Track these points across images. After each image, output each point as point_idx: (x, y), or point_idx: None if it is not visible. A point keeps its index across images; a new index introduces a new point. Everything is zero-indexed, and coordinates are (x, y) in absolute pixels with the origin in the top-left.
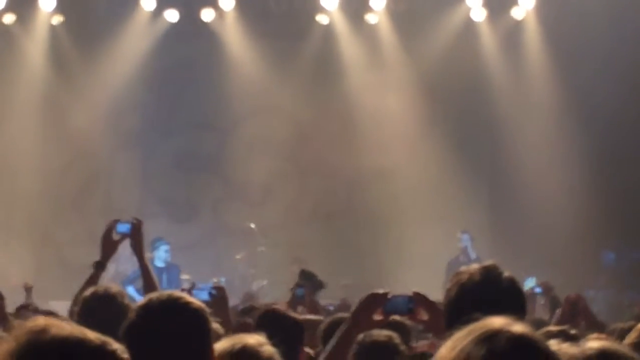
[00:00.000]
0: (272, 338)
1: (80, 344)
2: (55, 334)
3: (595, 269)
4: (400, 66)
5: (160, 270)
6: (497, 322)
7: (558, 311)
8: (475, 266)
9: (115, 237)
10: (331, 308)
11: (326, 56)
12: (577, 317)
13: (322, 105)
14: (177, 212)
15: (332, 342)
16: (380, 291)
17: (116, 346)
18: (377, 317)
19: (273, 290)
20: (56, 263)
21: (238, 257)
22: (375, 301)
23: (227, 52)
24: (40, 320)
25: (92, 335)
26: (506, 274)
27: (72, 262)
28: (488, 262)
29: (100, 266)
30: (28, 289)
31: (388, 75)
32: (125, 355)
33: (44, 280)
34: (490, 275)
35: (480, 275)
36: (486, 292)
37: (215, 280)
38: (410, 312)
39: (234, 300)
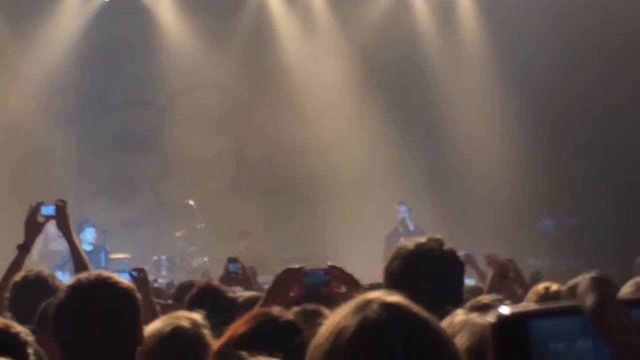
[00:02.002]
0: (207, 316)
1: None
2: None
3: (535, 236)
4: (336, 37)
5: (88, 254)
6: (373, 294)
7: (489, 276)
8: (415, 239)
9: (40, 219)
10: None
11: (261, 29)
12: (506, 281)
13: (259, 79)
14: (116, 191)
15: None
16: (296, 266)
17: (19, 329)
18: (294, 292)
19: (214, 267)
20: None
21: (178, 234)
22: (291, 276)
23: (161, 29)
24: None
25: None
26: (445, 246)
27: (9, 245)
28: (429, 235)
29: (24, 249)
30: None
31: (323, 47)
32: (30, 337)
33: None
34: (429, 248)
35: (419, 247)
36: (425, 264)
37: (155, 258)
38: (327, 285)
39: (175, 277)
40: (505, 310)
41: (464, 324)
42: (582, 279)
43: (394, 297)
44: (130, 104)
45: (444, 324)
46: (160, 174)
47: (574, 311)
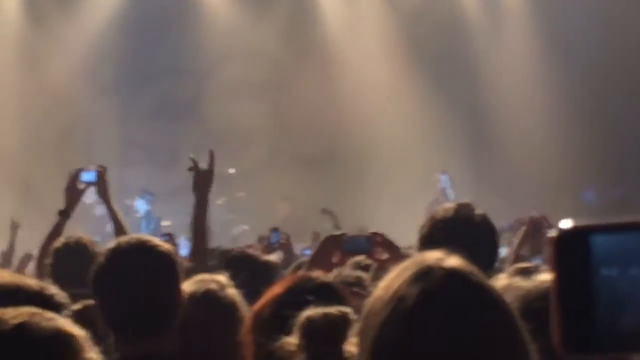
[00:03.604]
0: (241, 281)
1: (18, 289)
2: None
3: (576, 206)
4: (378, 7)
5: (141, 222)
6: (431, 257)
7: (520, 231)
8: (447, 205)
9: (80, 185)
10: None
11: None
12: (539, 238)
13: (301, 48)
14: (157, 159)
15: None
16: (337, 233)
17: (54, 291)
18: (336, 258)
19: (254, 235)
20: (38, 214)
21: (219, 202)
22: (333, 243)
23: None
24: None
25: (31, 281)
26: (479, 211)
27: (54, 211)
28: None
29: (64, 215)
30: (14, 226)
31: (366, 17)
32: (64, 299)
33: (26, 232)
34: (462, 212)
35: (453, 212)
36: (458, 228)
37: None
38: (369, 252)
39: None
40: (567, 223)
41: (508, 288)
42: None
43: (454, 262)
44: (172, 72)
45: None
46: (201, 142)
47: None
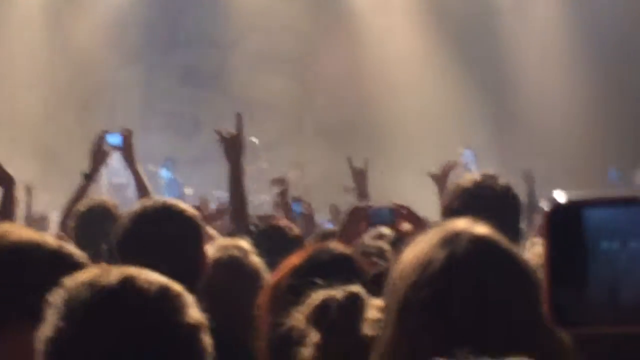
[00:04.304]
0: (268, 252)
1: (37, 247)
2: (14, 239)
3: (601, 186)
4: None
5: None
6: (459, 224)
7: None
8: (471, 175)
9: (106, 148)
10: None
11: None
12: None
13: (328, 23)
14: (180, 127)
15: None
16: (362, 205)
17: (73, 250)
18: (363, 229)
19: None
20: (60, 179)
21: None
22: (358, 214)
23: None
24: (0, 227)
25: (50, 239)
26: (501, 181)
27: (75, 177)
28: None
29: (89, 178)
30: (28, 190)
31: None
32: (83, 259)
33: (47, 195)
34: (486, 182)
35: (476, 182)
36: (481, 197)
37: (217, 194)
38: (393, 223)
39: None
40: (560, 196)
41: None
42: None
43: (482, 229)
44: (198, 42)
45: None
46: (225, 111)
47: (635, 203)
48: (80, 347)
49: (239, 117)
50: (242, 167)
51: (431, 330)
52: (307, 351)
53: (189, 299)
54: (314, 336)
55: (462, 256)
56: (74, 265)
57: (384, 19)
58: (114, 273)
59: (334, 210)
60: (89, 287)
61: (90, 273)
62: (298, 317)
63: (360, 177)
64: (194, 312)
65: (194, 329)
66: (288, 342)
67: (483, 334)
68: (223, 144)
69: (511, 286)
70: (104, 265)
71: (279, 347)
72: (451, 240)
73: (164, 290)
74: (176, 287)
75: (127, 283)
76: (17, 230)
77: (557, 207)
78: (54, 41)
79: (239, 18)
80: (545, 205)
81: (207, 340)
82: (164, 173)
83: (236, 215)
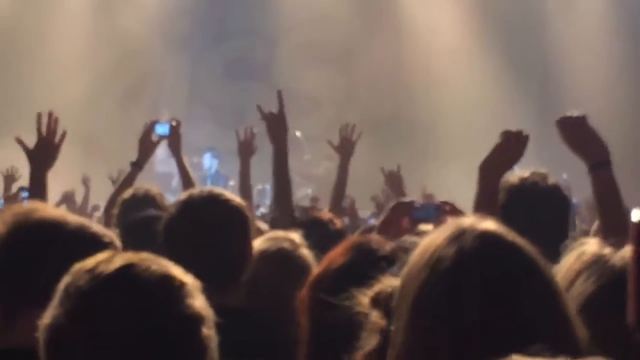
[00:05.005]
0: (313, 245)
1: (60, 225)
2: (38, 217)
3: None
4: None
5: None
6: (465, 220)
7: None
8: (520, 173)
9: (154, 138)
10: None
11: None
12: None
13: (373, 16)
14: (224, 118)
15: None
16: (407, 200)
17: (97, 228)
18: (405, 224)
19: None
20: (102, 163)
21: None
22: (402, 209)
23: None
24: (27, 205)
25: (72, 218)
26: (550, 180)
27: (118, 164)
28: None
29: (137, 166)
30: (86, 181)
31: None
32: (106, 238)
33: (91, 183)
34: (533, 181)
35: (523, 181)
36: (526, 193)
37: (259, 187)
38: (437, 220)
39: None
40: None
41: (599, 261)
42: None
43: (489, 225)
44: (244, 33)
45: (574, 254)
46: (270, 103)
47: None
48: (73, 336)
49: (279, 94)
50: (287, 146)
51: (446, 329)
52: (373, 337)
53: (194, 290)
54: (379, 321)
55: (470, 252)
56: (97, 244)
57: (429, 11)
58: (117, 260)
59: (377, 201)
60: (88, 275)
61: (95, 260)
62: (363, 302)
63: (395, 181)
64: (196, 304)
65: (193, 320)
66: (350, 327)
67: (496, 330)
68: (266, 123)
69: (520, 280)
70: (112, 251)
71: (334, 334)
72: (458, 237)
73: (165, 281)
74: (182, 277)
75: (127, 272)
76: (42, 209)
77: None
78: (101, 27)
79: (285, 11)
80: (634, 216)
81: (207, 333)
82: (208, 163)
83: (279, 200)
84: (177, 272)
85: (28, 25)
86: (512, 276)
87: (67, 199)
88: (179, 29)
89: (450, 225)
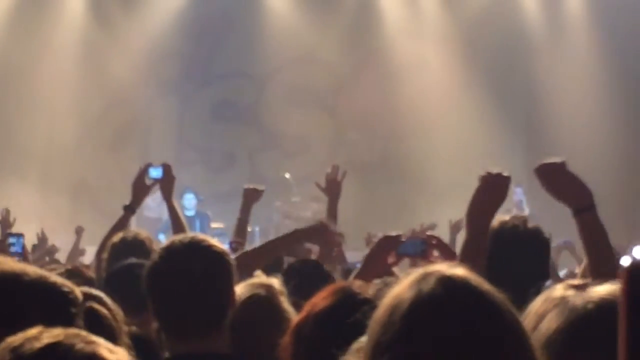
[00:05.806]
0: (299, 288)
1: (18, 277)
2: None
3: (633, 223)
4: (439, 17)
5: (190, 219)
6: (437, 266)
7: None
8: (500, 217)
9: (148, 182)
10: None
11: (365, 7)
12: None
13: (361, 56)
14: (213, 161)
15: None
16: (393, 234)
17: (56, 279)
18: (391, 259)
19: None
20: (91, 209)
21: (278, 203)
22: (388, 243)
23: (265, 1)
24: None
25: (31, 269)
26: (530, 224)
27: (107, 209)
28: (543, 221)
29: (130, 210)
30: (79, 231)
31: (427, 27)
32: (66, 288)
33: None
34: (512, 225)
35: (502, 225)
36: (507, 242)
37: (249, 229)
38: (423, 254)
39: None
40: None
41: (561, 302)
42: None
43: (454, 270)
44: (231, 75)
45: (541, 298)
46: (258, 145)
47: None
48: None
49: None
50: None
51: None
52: None
53: None
54: None
55: (427, 296)
56: (61, 301)
57: (417, 51)
58: (44, 338)
59: (369, 241)
60: (12, 354)
61: (23, 336)
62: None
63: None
64: None
65: None
66: None
67: None
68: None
69: (477, 325)
70: (40, 327)
71: None
72: (420, 280)
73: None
74: (109, 357)
75: (52, 352)
76: (2, 262)
77: (636, 265)
78: (89, 72)
79: (272, 52)
80: (624, 262)
81: None
82: (187, 203)
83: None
84: (105, 351)
85: (16, 71)
86: (469, 321)
87: (41, 243)
88: (167, 72)
89: (418, 271)
